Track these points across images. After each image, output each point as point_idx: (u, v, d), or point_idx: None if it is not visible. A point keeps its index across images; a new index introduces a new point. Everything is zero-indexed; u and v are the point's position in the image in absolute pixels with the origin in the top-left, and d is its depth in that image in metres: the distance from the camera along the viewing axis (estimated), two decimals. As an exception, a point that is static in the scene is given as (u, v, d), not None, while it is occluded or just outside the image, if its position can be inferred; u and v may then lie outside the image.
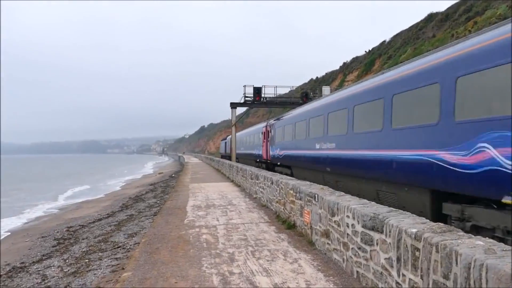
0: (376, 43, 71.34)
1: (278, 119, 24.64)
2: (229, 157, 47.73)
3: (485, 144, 6.75)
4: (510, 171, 6.22)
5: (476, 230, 7.19)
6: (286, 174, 20.20)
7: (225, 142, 60.28)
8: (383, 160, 10.25)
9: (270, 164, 26.44)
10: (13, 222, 22.13)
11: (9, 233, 18.63)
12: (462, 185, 7.34)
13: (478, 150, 6.90)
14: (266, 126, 27.82)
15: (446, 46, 8.56)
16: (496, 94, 6.64)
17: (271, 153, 25.40)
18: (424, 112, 8.64)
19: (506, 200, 6.35)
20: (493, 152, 6.58)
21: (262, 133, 28.93)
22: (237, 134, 40.92)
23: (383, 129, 10.35)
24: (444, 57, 8.17)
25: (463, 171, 7.25)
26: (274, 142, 24.52)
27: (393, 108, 9.90)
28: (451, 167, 7.58)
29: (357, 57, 66.47)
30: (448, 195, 8.01)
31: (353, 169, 12.43)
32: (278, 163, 23.71)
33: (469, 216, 7.48)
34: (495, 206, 6.88)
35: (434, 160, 8.12)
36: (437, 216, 8.22)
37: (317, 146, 15.62)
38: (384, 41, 59.22)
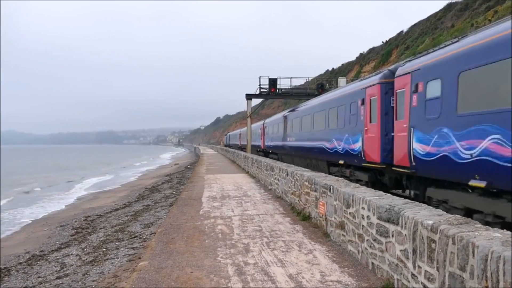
0: (393, 33, 70.37)
1: None
2: (229, 147, 67.78)
3: None
4: None
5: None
6: None
7: (226, 137, 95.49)
8: None
9: None
10: (35, 211, 22.58)
11: (30, 222, 19.05)
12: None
13: None
14: None
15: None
16: None
17: None
18: None
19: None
20: None
21: None
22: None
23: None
24: None
25: None
26: None
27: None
28: None
29: (373, 48, 65.71)
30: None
31: None
32: None
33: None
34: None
35: None
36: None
37: None
38: (402, 31, 58.39)
